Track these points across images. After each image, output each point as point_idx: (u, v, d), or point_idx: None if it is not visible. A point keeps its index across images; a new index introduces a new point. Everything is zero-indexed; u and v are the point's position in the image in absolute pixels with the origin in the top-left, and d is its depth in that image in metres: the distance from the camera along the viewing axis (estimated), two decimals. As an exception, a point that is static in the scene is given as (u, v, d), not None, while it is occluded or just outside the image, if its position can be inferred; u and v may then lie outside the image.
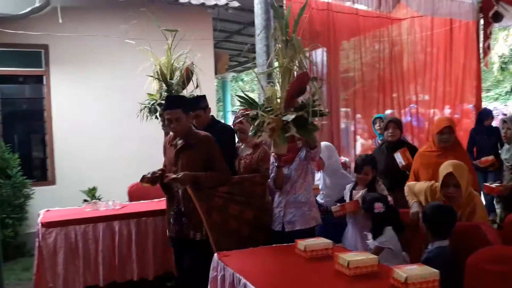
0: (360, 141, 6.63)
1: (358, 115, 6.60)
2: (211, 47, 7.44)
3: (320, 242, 3.02)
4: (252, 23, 5.68)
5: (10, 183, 6.04)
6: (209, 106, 4.34)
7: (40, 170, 6.81)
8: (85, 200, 6.10)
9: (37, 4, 6.05)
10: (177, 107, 3.53)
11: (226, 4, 6.95)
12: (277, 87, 3.34)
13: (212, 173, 3.56)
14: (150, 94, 4.61)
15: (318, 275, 2.64)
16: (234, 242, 3.47)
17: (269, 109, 3.27)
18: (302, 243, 2.97)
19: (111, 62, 6.80)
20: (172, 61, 4.56)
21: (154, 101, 4.51)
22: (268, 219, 3.75)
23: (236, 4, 6.98)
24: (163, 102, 4.08)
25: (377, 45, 6.77)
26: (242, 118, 3.89)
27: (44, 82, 6.65)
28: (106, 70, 6.85)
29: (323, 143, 4.28)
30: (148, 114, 4.52)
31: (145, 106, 4.55)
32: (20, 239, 6.13)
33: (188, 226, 3.61)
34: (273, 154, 3.59)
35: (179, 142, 3.64)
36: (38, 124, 6.77)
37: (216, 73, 9.10)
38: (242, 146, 4.08)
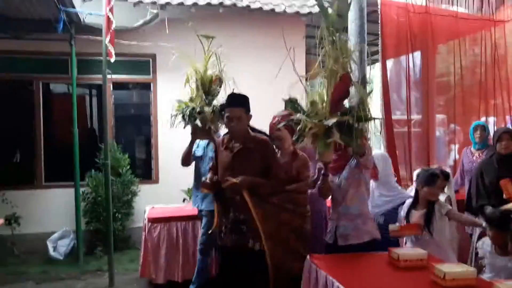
0: (455, 149, 6.23)
1: (452, 125, 6.20)
2: (303, 54, 7.42)
3: (414, 252, 2.92)
4: (346, 29, 5.57)
5: (120, 180, 6.43)
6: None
7: (145, 169, 7.12)
8: (184, 199, 6.39)
9: (148, 17, 6.42)
10: (240, 105, 3.28)
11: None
12: (322, 90, 3.12)
13: (269, 181, 3.32)
14: (180, 101, 4.22)
15: (413, 284, 2.55)
16: (283, 252, 3.32)
17: (313, 114, 3.06)
18: (395, 252, 2.89)
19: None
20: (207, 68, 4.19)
21: (191, 108, 4.08)
22: (309, 228, 3.58)
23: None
24: (201, 109, 3.98)
25: (477, 49, 6.34)
26: (280, 125, 3.63)
27: (151, 88, 6.97)
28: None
29: (378, 152, 4.03)
30: (182, 121, 4.15)
31: (179, 113, 4.16)
32: (127, 232, 6.46)
33: (247, 235, 3.27)
34: (319, 161, 3.39)
35: (236, 145, 3.35)
36: (145, 127, 7.11)
37: (307, 80, 9.02)
38: (278, 154, 3.74)
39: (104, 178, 5.32)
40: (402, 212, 3.67)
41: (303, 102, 3.68)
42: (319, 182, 3.44)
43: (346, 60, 3.04)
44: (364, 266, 2.95)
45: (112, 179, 5.91)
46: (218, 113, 3.98)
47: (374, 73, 6.70)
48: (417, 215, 3.48)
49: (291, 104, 3.39)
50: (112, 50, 5.01)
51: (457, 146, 6.03)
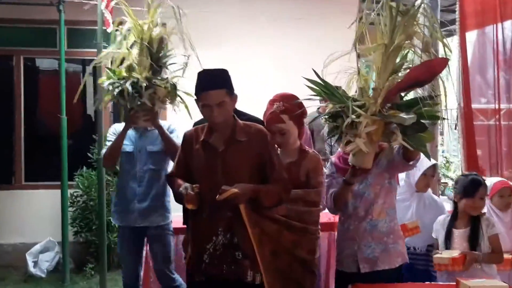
0: None
1: None
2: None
3: (491, 283, 2.82)
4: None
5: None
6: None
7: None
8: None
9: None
10: (220, 85, 2.85)
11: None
12: (369, 73, 2.92)
13: (272, 186, 2.92)
14: (112, 71, 3.74)
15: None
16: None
17: (360, 104, 2.83)
18: (466, 284, 2.68)
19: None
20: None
21: (132, 81, 3.59)
22: (318, 256, 3.24)
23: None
24: (150, 83, 3.57)
25: None
26: (283, 114, 3.16)
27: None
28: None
29: None
30: (116, 100, 3.70)
31: (112, 86, 3.68)
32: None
33: (244, 264, 2.89)
34: (332, 160, 3.27)
35: (220, 140, 2.93)
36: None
37: (359, 57, 8.81)
38: (278, 151, 3.27)
39: (98, 178, 5.28)
40: (436, 232, 3.57)
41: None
42: (332, 190, 3.21)
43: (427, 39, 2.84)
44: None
45: (107, 179, 5.80)
46: (174, 91, 3.67)
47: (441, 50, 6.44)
48: (459, 237, 3.41)
49: (322, 88, 2.97)
50: (109, 18, 4.89)
51: None
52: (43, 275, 5.98)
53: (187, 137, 3.07)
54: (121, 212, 3.99)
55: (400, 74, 2.88)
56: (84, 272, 6.01)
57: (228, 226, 2.89)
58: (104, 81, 3.74)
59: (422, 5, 2.87)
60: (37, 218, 6.33)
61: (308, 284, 3.09)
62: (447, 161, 9.04)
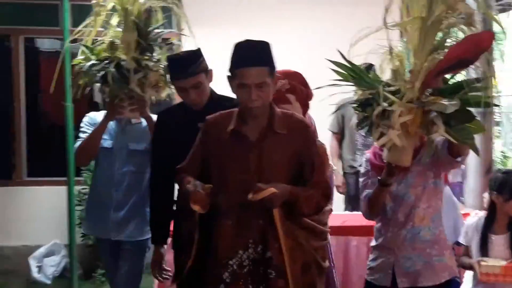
0: None
1: None
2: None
3: None
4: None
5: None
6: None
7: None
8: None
9: None
10: (264, 62, 2.64)
11: None
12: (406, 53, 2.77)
13: (312, 190, 2.73)
14: (91, 49, 3.54)
15: None
16: None
17: (393, 90, 2.70)
18: None
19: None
20: None
21: (116, 61, 3.40)
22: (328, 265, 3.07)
23: None
24: (140, 64, 3.36)
25: None
26: (289, 94, 2.99)
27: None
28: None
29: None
30: (101, 89, 3.54)
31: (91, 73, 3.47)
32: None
33: (277, 285, 2.65)
34: (367, 156, 3.17)
35: (254, 131, 2.71)
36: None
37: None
38: None
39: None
40: (467, 237, 3.53)
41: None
42: (367, 191, 3.09)
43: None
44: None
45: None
46: (166, 74, 3.42)
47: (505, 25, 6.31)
48: (499, 243, 3.37)
49: (348, 71, 2.83)
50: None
51: None
52: (48, 282, 6.00)
53: (209, 124, 2.80)
54: (93, 221, 3.72)
55: (442, 53, 2.72)
56: (93, 278, 6.00)
57: (260, 236, 2.66)
58: (81, 62, 3.50)
59: None
60: (40, 218, 6.31)
61: None
62: (505, 156, 8.76)
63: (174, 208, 3.22)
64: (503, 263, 3.16)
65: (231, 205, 2.65)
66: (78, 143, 3.62)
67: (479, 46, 2.57)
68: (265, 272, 2.63)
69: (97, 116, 3.62)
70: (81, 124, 3.67)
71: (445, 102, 2.58)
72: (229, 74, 2.67)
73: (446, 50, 2.70)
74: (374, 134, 2.74)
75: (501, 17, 7.02)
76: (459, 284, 3.35)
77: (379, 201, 3.05)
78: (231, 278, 2.64)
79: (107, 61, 3.39)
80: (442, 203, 3.19)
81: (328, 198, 2.85)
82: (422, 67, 2.66)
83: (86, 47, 3.53)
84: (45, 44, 7.52)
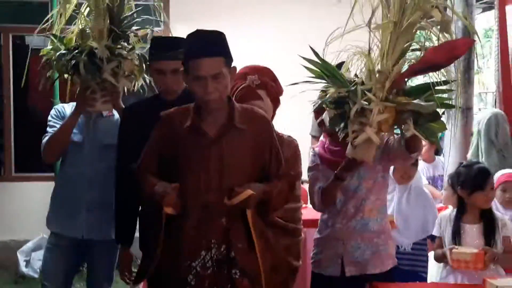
0: None
1: None
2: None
3: None
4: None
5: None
6: None
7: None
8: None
9: None
10: (218, 52, 2.47)
11: None
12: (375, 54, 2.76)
13: (280, 184, 2.65)
14: (58, 37, 3.31)
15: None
16: None
17: (367, 88, 2.71)
18: (493, 283, 2.80)
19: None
20: None
21: (88, 49, 3.15)
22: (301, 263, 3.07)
23: None
24: (114, 52, 3.18)
25: None
26: (260, 89, 2.93)
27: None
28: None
29: None
30: (73, 79, 3.29)
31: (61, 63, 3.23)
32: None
33: (242, 284, 2.56)
34: (316, 150, 3.17)
35: (213, 126, 2.55)
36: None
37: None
38: None
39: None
40: (441, 228, 3.47)
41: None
42: (319, 184, 3.06)
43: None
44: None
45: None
46: (142, 64, 3.28)
47: (484, 24, 6.30)
48: (471, 233, 3.34)
49: (321, 68, 2.77)
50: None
51: None
52: (36, 275, 5.95)
53: (165, 120, 2.61)
54: (60, 219, 3.40)
55: (407, 56, 2.76)
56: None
57: (223, 236, 2.53)
58: (49, 52, 3.28)
59: None
60: (29, 213, 6.24)
61: None
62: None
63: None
64: (475, 250, 3.16)
65: (192, 205, 2.51)
66: (45, 139, 3.32)
67: (454, 53, 2.64)
68: (230, 272, 2.54)
69: (66, 108, 3.40)
70: (49, 118, 3.40)
71: (421, 102, 2.63)
72: (182, 68, 2.54)
73: (416, 52, 2.77)
74: (350, 131, 2.72)
75: (486, 16, 7.05)
76: (402, 272, 3.41)
77: (333, 194, 3.04)
78: (196, 281, 2.52)
79: (77, 51, 3.16)
80: (387, 196, 3.28)
81: (293, 190, 2.83)
82: (392, 69, 2.68)
83: (55, 36, 3.30)
84: (34, 42, 7.15)
